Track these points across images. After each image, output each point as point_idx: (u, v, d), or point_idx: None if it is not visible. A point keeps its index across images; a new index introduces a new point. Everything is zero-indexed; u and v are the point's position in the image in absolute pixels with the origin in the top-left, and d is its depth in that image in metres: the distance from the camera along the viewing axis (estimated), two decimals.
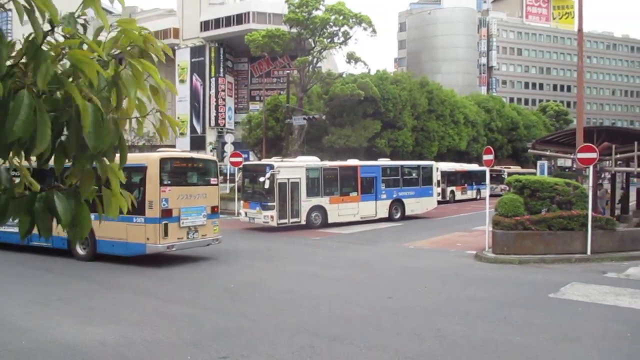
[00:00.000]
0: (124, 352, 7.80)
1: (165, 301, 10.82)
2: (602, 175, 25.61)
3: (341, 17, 37.34)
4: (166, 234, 14.30)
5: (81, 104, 2.06)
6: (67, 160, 2.32)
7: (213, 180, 16.17)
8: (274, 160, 24.26)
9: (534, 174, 32.04)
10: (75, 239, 2.34)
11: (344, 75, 43.47)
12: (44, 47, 2.07)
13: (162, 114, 2.67)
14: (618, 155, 19.75)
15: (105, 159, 2.43)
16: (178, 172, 15.18)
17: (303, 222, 22.99)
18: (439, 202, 32.12)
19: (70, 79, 2.13)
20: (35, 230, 2.26)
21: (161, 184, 14.28)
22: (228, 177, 37.23)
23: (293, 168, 23.19)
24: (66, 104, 2.13)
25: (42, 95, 2.08)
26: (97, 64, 2.13)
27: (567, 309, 10.13)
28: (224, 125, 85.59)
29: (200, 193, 15.42)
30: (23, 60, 2.05)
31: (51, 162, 2.31)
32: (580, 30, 19.38)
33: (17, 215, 2.23)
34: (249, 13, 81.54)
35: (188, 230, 14.93)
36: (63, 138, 2.29)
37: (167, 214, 14.33)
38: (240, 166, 26.52)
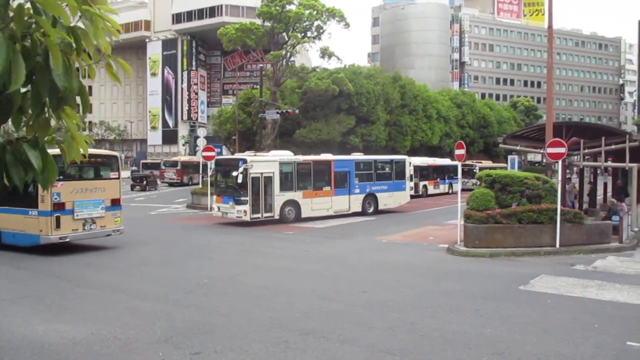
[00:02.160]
0: (95, 350, 7.67)
1: (137, 297, 10.68)
2: (571, 170, 26.12)
3: (314, 12, 37.24)
4: (58, 225, 15.06)
5: (51, 44, 2.21)
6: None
7: (113, 175, 16.92)
8: (247, 155, 24.13)
9: (505, 168, 32.51)
10: (46, 184, 2.56)
11: (318, 70, 43.40)
12: None
13: (113, 58, 2.82)
14: (586, 150, 20.14)
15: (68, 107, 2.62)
16: (72, 168, 15.63)
17: (276, 217, 22.93)
18: (412, 197, 32.37)
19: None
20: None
21: None
22: (200, 171, 36.86)
23: (266, 162, 23.09)
24: (34, 52, 2.29)
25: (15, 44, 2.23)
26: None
27: (536, 301, 10.31)
28: (197, 119, 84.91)
29: (98, 187, 16.19)
30: None
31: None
32: (550, 27, 19.68)
33: None
34: (221, 6, 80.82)
35: (84, 222, 15.72)
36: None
37: (59, 207, 15.07)
38: (213, 160, 26.29)
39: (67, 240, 15.43)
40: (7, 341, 8.05)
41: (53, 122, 2.60)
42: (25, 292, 11.11)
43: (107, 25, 2.58)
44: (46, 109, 2.46)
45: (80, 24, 2.45)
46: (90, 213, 15.81)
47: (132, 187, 44.69)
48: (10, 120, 2.47)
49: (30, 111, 2.44)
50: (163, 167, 53.85)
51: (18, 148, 2.40)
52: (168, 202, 35.21)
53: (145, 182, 44.62)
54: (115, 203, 16.69)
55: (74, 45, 2.43)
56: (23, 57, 2.26)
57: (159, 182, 49.11)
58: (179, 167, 51.75)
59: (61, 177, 14.90)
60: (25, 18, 2.23)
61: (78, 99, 2.66)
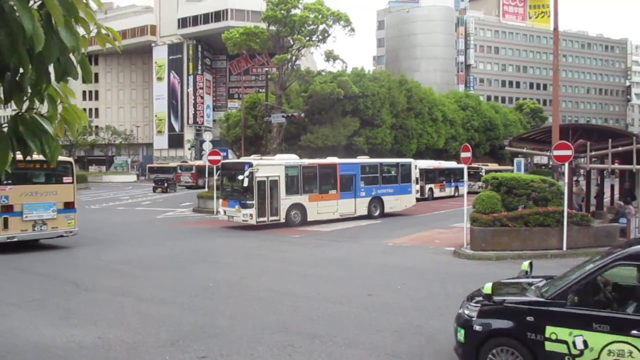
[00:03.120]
0: (102, 354, 7.70)
1: (143, 301, 10.70)
2: (578, 173, 26.02)
3: (320, 16, 37.30)
4: (6, 226, 16.13)
5: (52, 6, 2.31)
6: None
7: (67, 180, 17.66)
8: (253, 158, 24.16)
9: (511, 171, 32.43)
10: (52, 159, 2.65)
11: (323, 73, 43.43)
12: None
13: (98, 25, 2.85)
14: (593, 153, 20.07)
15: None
16: (22, 173, 16.51)
17: (282, 220, 22.93)
18: (418, 200, 32.32)
19: None
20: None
21: (0, 183, 15.88)
22: (207, 175, 36.95)
23: (272, 166, 23.11)
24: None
25: None
26: None
27: None
28: (202, 123, 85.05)
29: (49, 191, 17.16)
30: None
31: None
32: (555, 29, 19.63)
33: (3, 140, 2.44)
34: (227, 10, 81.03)
35: (34, 223, 16.73)
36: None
37: (7, 209, 16.16)
38: (219, 164, 26.33)
39: (15, 239, 16.40)
40: (13, 345, 8.08)
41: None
42: (32, 296, 11.15)
43: None
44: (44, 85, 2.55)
45: None
46: (41, 215, 16.83)
47: (154, 189, 48.58)
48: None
49: (29, 89, 2.52)
50: (179, 171, 57.79)
51: (31, 119, 2.48)
52: (174, 206, 35.29)
53: (166, 185, 49.06)
54: (69, 206, 17.65)
55: (71, 12, 2.53)
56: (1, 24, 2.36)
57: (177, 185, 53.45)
58: (194, 171, 55.73)
59: (10, 182, 15.86)
60: None
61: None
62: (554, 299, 6.17)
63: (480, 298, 6.77)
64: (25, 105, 2.59)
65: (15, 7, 2.21)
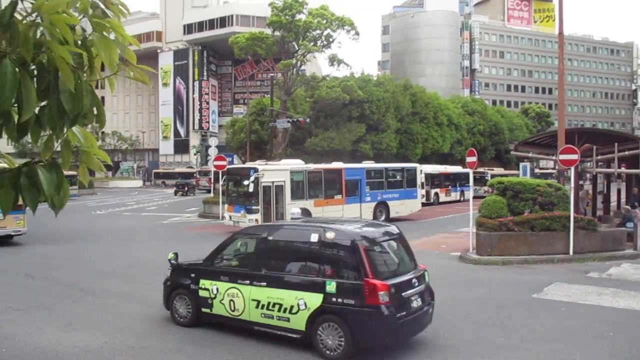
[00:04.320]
0: (108, 359, 7.71)
1: (149, 306, 10.71)
2: (584, 177, 25.92)
3: (324, 21, 37.40)
4: None
5: (62, 66, 2.17)
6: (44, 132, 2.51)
7: None
8: (258, 164, 24.18)
9: (517, 175, 32.33)
10: (59, 207, 2.54)
11: (328, 79, 43.50)
12: (17, 16, 2.18)
13: (131, 64, 2.78)
14: (599, 157, 20.00)
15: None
16: None
17: None
18: (423, 204, 32.25)
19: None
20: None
21: None
22: (212, 180, 37.06)
23: (277, 171, 23.13)
24: (43, 71, 2.27)
25: (23, 64, 2.20)
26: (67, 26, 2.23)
27: (550, 309, 10.22)
28: (208, 129, 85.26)
29: None
30: None
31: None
32: (561, 33, 19.61)
33: (4, 189, 2.39)
34: (232, 16, 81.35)
35: None
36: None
37: None
38: (224, 169, 26.38)
39: None
40: (20, 350, 8.11)
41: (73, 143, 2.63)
42: (39, 301, 11.18)
43: (121, 37, 2.57)
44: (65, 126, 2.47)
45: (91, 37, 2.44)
46: None
47: (176, 193, 53.03)
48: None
49: (48, 125, 2.45)
50: (197, 176, 61.46)
51: (33, 171, 2.41)
52: (180, 211, 35.36)
53: (186, 189, 53.54)
54: (17, 208, 18.38)
55: (85, 60, 2.43)
56: (38, 76, 2.26)
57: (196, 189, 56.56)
58: (210, 176, 56.48)
59: None
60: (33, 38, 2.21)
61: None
62: (205, 261, 9.32)
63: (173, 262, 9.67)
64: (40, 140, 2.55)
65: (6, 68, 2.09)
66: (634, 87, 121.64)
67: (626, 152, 18.66)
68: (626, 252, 16.26)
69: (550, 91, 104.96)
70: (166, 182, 75.27)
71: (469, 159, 17.82)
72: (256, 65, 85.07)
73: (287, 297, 7.90)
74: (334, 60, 39.10)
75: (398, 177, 28.27)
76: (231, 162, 41.01)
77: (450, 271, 14.48)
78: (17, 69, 2.11)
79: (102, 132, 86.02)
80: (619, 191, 27.90)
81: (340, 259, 7.86)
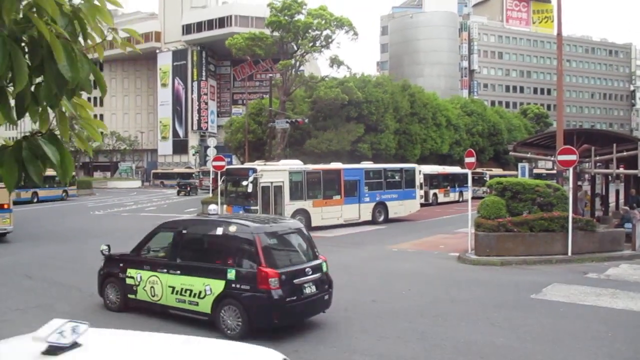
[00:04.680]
0: None
1: (148, 310, 10.68)
2: (582, 177, 25.94)
3: (323, 21, 37.41)
4: None
5: (50, 37, 2.17)
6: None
7: (1, 185, 19.40)
8: (257, 164, 24.19)
9: (516, 176, 32.37)
10: (64, 178, 2.60)
11: (327, 79, 43.50)
12: None
13: (114, 30, 2.72)
14: (597, 158, 20.01)
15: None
16: None
17: None
18: (422, 205, 32.26)
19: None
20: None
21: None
22: (210, 181, 37.06)
23: (276, 172, 23.14)
24: (35, 46, 2.27)
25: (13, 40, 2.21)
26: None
27: (549, 310, 10.23)
28: (207, 129, 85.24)
29: None
30: None
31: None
32: (559, 34, 19.63)
33: (7, 164, 2.38)
34: (231, 16, 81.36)
35: None
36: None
37: None
38: (223, 170, 26.36)
39: None
40: None
41: (68, 114, 2.61)
42: (37, 302, 11.18)
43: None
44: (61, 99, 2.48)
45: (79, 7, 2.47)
46: None
47: (178, 193, 53.93)
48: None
49: (46, 102, 2.45)
50: (202, 176, 62.10)
51: (34, 143, 2.41)
52: (179, 211, 35.33)
53: (188, 189, 54.59)
54: (3, 207, 20.17)
55: (78, 30, 2.44)
56: (30, 51, 2.28)
57: (198, 189, 57.44)
58: (213, 176, 57.80)
59: None
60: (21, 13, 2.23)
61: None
62: (132, 252, 10.38)
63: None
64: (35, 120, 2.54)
65: None
66: (632, 88, 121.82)
67: (624, 153, 18.68)
68: (624, 252, 16.28)
69: (548, 92, 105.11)
70: (165, 182, 75.23)
71: (467, 160, 17.83)
72: (255, 66, 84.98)
73: (197, 283, 8.99)
74: (334, 61, 39.13)
75: (397, 177, 28.28)
76: (230, 163, 41.01)
77: (449, 272, 14.49)
78: (6, 40, 2.12)
79: (101, 133, 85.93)
80: (617, 192, 27.95)
81: (240, 249, 8.96)
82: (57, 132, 2.56)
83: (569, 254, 15.51)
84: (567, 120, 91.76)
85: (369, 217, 25.99)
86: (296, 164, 25.00)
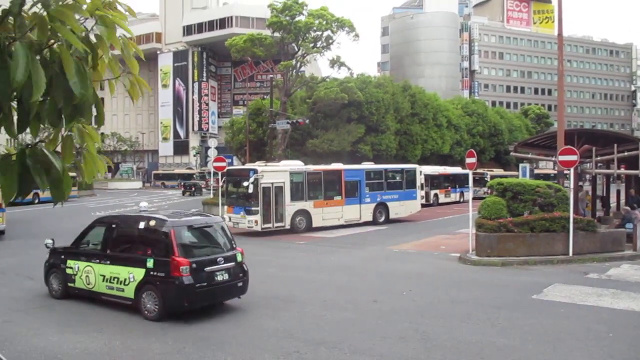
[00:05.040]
0: None
1: None
2: (583, 178, 25.93)
3: (324, 22, 37.42)
4: None
5: (65, 55, 2.24)
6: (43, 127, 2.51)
7: None
8: (258, 165, 24.19)
9: (517, 176, 32.35)
10: (59, 199, 2.56)
11: (328, 80, 43.51)
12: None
13: (133, 75, 2.83)
14: (598, 158, 20.01)
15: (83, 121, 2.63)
16: None
17: (287, 227, 22.94)
18: (423, 205, 32.24)
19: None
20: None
21: None
22: (211, 182, 37.08)
23: (277, 172, 23.14)
24: (50, 61, 2.31)
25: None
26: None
27: (550, 310, 10.22)
28: (207, 130, 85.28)
29: None
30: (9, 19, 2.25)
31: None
32: (560, 34, 19.63)
33: (10, 173, 2.37)
34: (232, 17, 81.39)
35: None
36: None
37: None
38: (224, 171, 26.36)
39: None
40: (20, 351, 8.11)
41: (74, 138, 2.62)
42: (39, 303, 11.19)
43: (124, 36, 2.63)
44: (63, 121, 2.50)
45: (95, 31, 2.49)
46: None
47: (184, 193, 55.68)
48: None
49: (47, 120, 2.45)
50: (208, 177, 62.67)
51: (39, 151, 2.43)
52: None
53: (193, 189, 56.24)
54: None
55: (89, 60, 2.46)
56: (42, 66, 2.29)
57: (204, 189, 58.13)
58: (218, 176, 58.61)
59: None
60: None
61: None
62: (72, 245, 11.51)
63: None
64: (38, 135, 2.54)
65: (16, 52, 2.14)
66: (633, 88, 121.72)
67: (625, 153, 18.68)
68: (626, 253, 16.26)
69: (549, 92, 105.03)
70: (166, 183, 75.25)
71: (468, 160, 17.83)
72: (256, 67, 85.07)
73: (122, 272, 10.11)
74: (335, 62, 39.13)
75: (397, 178, 28.27)
76: (231, 164, 41.00)
77: (450, 272, 14.49)
78: (28, 51, 2.16)
79: (102, 134, 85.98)
80: (618, 192, 27.93)
81: (158, 241, 10.03)
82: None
83: (570, 254, 15.50)
84: (568, 120, 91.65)
85: (369, 218, 25.99)
86: (297, 165, 25.01)
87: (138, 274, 9.83)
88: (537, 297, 11.32)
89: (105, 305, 10.96)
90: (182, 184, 61.28)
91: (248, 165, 27.14)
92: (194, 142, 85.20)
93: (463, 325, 9.23)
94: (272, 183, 22.45)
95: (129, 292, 9.97)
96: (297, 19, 37.76)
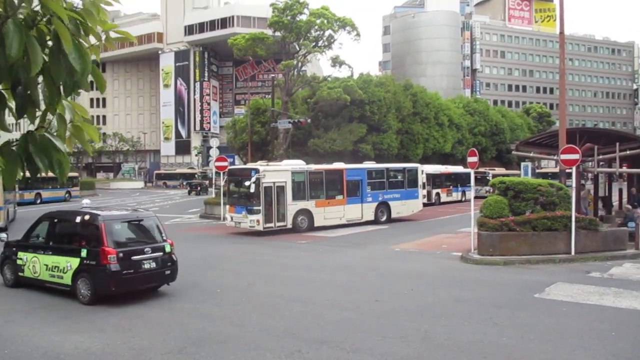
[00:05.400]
0: None
1: (150, 307, 10.73)
2: (585, 176, 25.88)
3: (326, 21, 37.40)
4: None
5: (62, 30, 2.28)
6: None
7: None
8: (260, 164, 24.19)
9: (519, 175, 32.30)
10: (63, 175, 2.67)
11: (329, 79, 43.48)
12: None
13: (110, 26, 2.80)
14: (600, 157, 19.96)
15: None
16: None
17: (289, 226, 22.94)
18: (425, 205, 32.22)
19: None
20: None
21: None
22: (221, 182, 37.12)
23: (279, 172, 23.14)
24: (43, 39, 2.39)
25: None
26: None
27: (552, 309, 10.21)
28: (209, 130, 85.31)
29: None
30: None
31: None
32: (562, 33, 19.59)
33: (11, 159, 2.44)
34: (233, 17, 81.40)
35: None
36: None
37: None
38: (226, 170, 26.38)
39: None
40: (22, 351, 8.12)
41: (68, 115, 2.67)
42: (41, 303, 11.21)
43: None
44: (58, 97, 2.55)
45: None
46: None
47: (190, 192, 56.01)
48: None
49: (43, 102, 2.51)
50: (217, 177, 63.69)
51: (43, 136, 2.49)
52: (182, 212, 35.40)
53: (199, 189, 56.63)
54: None
55: (81, 27, 2.51)
56: (38, 44, 2.34)
57: (209, 189, 58.42)
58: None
59: None
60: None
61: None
62: (22, 239, 12.74)
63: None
64: (37, 121, 2.58)
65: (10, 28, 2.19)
66: (635, 87, 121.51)
67: (627, 152, 18.63)
68: (628, 251, 16.23)
69: (551, 91, 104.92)
70: (168, 183, 75.33)
71: (470, 159, 17.80)
72: (257, 66, 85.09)
73: (62, 261, 11.34)
74: (336, 61, 39.10)
75: (399, 177, 28.25)
76: (232, 163, 40.99)
77: (452, 271, 14.47)
78: (21, 27, 2.22)
79: (104, 134, 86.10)
80: (620, 191, 27.88)
81: (91, 233, 11.24)
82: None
83: (572, 253, 15.47)
84: (569, 119, 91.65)
85: (371, 217, 25.97)
86: (299, 164, 25.01)
87: (74, 262, 11.08)
88: (539, 296, 11.30)
89: (106, 305, 10.99)
90: (188, 183, 61.51)
91: (250, 165, 27.14)
92: (195, 141, 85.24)
93: (465, 325, 9.22)
94: (274, 182, 22.45)
95: (67, 279, 11.20)
96: (298, 18, 37.74)
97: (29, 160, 2.45)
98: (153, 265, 11.31)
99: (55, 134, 2.57)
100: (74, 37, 2.35)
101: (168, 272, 11.61)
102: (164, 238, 11.88)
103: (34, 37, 2.32)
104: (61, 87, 2.50)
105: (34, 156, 2.44)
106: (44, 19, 2.36)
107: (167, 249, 11.69)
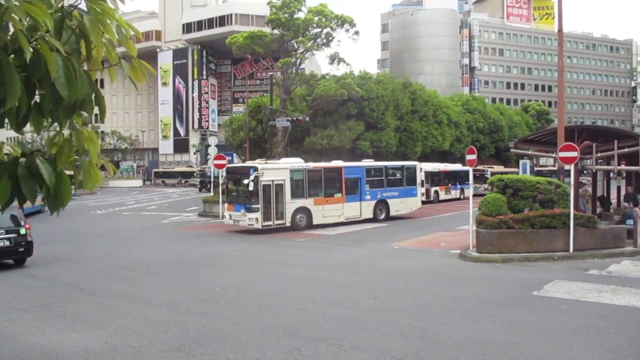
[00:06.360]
0: (108, 358, 7.71)
1: (150, 306, 10.72)
2: (584, 174, 25.88)
3: (324, 19, 37.37)
4: None
5: (46, 52, 2.05)
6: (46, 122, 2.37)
7: None
8: (258, 162, 24.19)
9: (517, 173, 32.31)
10: (56, 207, 2.38)
11: (327, 77, 43.47)
12: None
13: (133, 58, 2.61)
14: (599, 154, 19.99)
15: (83, 114, 2.55)
16: None
17: (288, 224, 22.94)
18: (423, 202, 32.24)
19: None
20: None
21: None
22: (212, 179, 37.09)
23: (277, 170, 23.14)
24: (37, 63, 2.13)
25: (10, 55, 2.09)
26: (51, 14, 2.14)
27: (550, 307, 10.22)
28: (208, 128, 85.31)
29: None
30: None
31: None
32: (560, 30, 19.60)
33: (2, 180, 2.24)
34: (231, 15, 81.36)
35: None
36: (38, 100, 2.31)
37: None
38: (224, 168, 26.37)
39: None
40: (21, 350, 8.11)
41: (72, 142, 2.49)
42: (40, 301, 11.19)
43: (115, 22, 2.45)
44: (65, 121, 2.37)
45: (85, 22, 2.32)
46: None
47: (200, 190, 55.48)
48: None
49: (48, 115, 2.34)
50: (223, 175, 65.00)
51: (32, 161, 2.28)
52: (180, 210, 35.38)
53: (209, 186, 55.98)
54: None
55: (82, 49, 2.35)
56: (33, 65, 2.13)
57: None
58: None
59: None
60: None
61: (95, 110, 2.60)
62: None
63: None
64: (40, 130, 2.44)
65: (40, 50, 1.99)
66: (633, 84, 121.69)
67: (626, 149, 18.66)
68: (626, 249, 16.26)
69: (549, 89, 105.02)
70: (166, 181, 75.27)
71: (468, 157, 17.81)
72: (255, 64, 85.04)
73: None
74: (334, 58, 39.08)
75: (398, 175, 28.26)
76: (231, 161, 41.00)
77: (450, 269, 14.48)
78: None
79: (102, 132, 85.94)
80: (618, 188, 27.88)
81: None
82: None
83: (571, 250, 15.50)
84: (568, 116, 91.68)
85: (370, 215, 25.99)
86: (297, 162, 25.00)
87: None
88: (537, 293, 11.31)
89: (106, 303, 10.99)
90: (200, 181, 61.12)
91: (248, 163, 27.13)
92: (194, 140, 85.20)
93: (463, 322, 9.22)
94: (273, 181, 22.45)
95: None
96: (296, 15, 37.70)
97: (17, 185, 2.26)
98: (7, 243, 14.64)
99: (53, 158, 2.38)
100: (68, 59, 2.17)
101: (22, 249, 14.99)
102: (22, 224, 15.01)
103: (13, 64, 2.08)
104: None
105: (20, 182, 2.25)
106: (32, 41, 2.13)
107: (22, 231, 14.91)
